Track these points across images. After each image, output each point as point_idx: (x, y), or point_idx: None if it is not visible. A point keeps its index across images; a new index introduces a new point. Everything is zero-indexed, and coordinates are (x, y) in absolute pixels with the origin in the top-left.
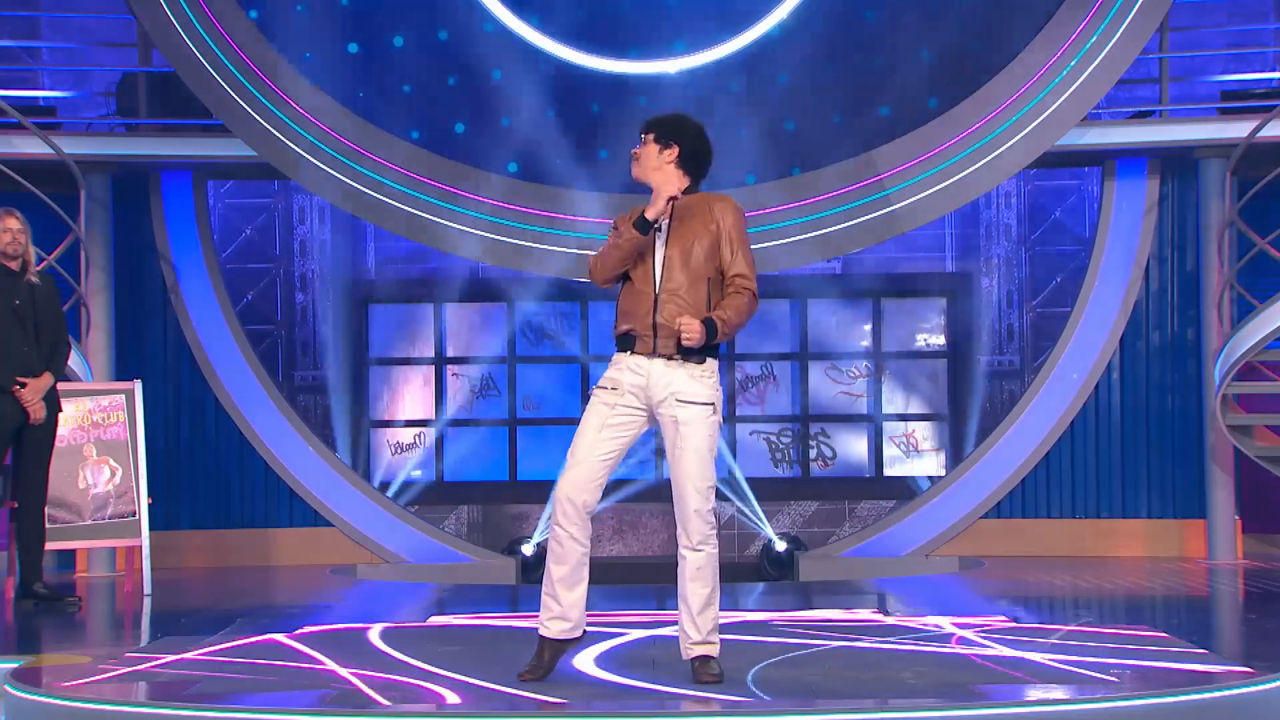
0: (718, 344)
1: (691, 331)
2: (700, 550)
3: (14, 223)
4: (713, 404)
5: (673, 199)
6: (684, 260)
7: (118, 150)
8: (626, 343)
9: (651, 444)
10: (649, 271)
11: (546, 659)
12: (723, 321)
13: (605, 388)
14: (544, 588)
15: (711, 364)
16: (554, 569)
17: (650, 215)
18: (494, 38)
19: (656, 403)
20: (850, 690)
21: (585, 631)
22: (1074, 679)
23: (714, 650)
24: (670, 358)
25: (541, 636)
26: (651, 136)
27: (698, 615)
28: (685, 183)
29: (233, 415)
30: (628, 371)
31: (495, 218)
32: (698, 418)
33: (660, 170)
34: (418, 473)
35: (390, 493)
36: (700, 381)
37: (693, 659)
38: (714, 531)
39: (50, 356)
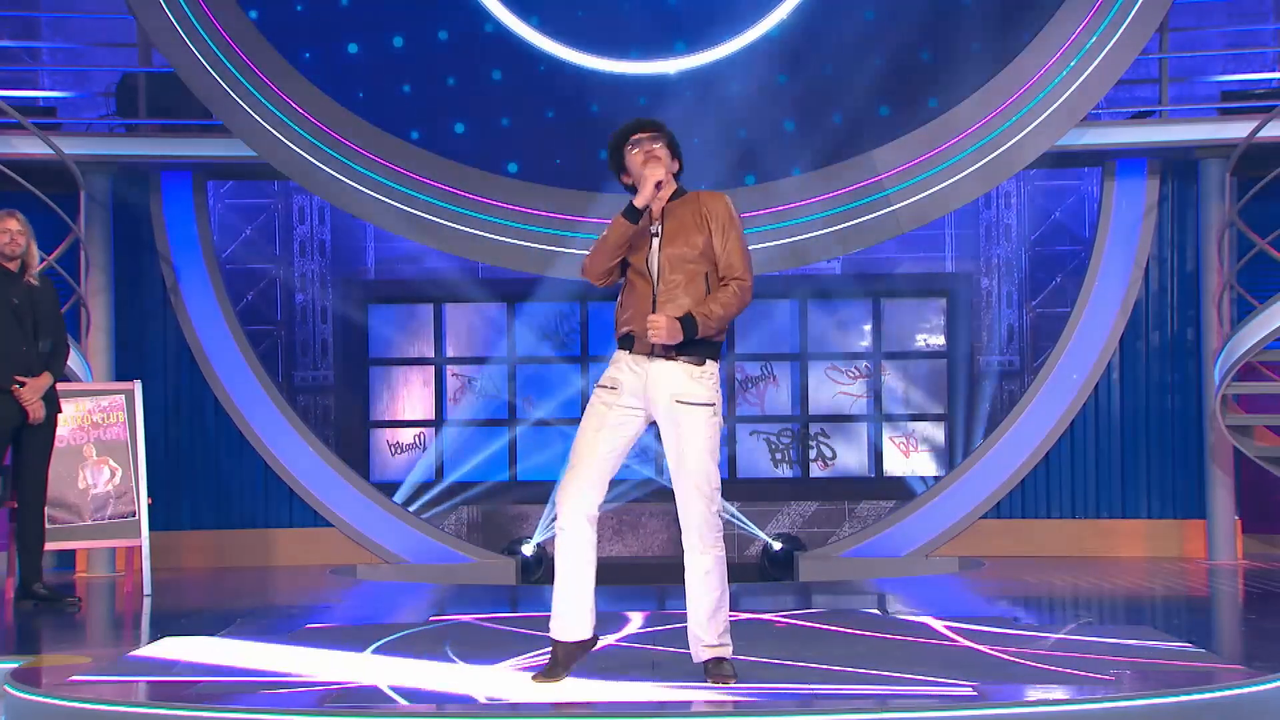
0: (717, 343)
1: (657, 328)
2: (708, 554)
3: (14, 224)
4: (713, 405)
5: (659, 183)
6: (680, 259)
7: (118, 150)
8: (627, 342)
9: (650, 441)
10: (647, 272)
11: (560, 659)
12: (704, 316)
13: (605, 386)
14: (554, 591)
15: (711, 365)
16: (561, 571)
17: (639, 203)
18: (494, 38)
19: (655, 403)
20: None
21: (597, 635)
22: (1074, 679)
23: (727, 652)
24: (668, 357)
25: (554, 640)
26: (662, 139)
27: (709, 620)
28: (673, 179)
29: (232, 415)
30: (626, 370)
31: (499, 219)
32: (699, 419)
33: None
34: (417, 473)
35: (391, 493)
36: (699, 382)
37: (706, 661)
38: (721, 534)
39: (50, 357)
